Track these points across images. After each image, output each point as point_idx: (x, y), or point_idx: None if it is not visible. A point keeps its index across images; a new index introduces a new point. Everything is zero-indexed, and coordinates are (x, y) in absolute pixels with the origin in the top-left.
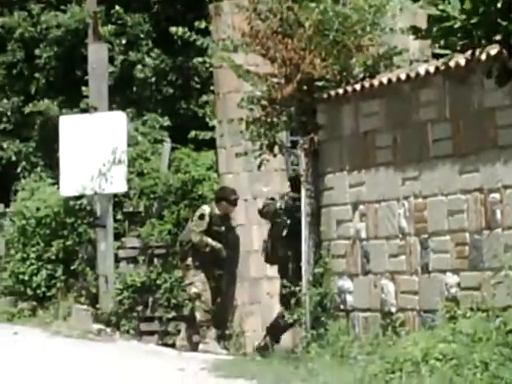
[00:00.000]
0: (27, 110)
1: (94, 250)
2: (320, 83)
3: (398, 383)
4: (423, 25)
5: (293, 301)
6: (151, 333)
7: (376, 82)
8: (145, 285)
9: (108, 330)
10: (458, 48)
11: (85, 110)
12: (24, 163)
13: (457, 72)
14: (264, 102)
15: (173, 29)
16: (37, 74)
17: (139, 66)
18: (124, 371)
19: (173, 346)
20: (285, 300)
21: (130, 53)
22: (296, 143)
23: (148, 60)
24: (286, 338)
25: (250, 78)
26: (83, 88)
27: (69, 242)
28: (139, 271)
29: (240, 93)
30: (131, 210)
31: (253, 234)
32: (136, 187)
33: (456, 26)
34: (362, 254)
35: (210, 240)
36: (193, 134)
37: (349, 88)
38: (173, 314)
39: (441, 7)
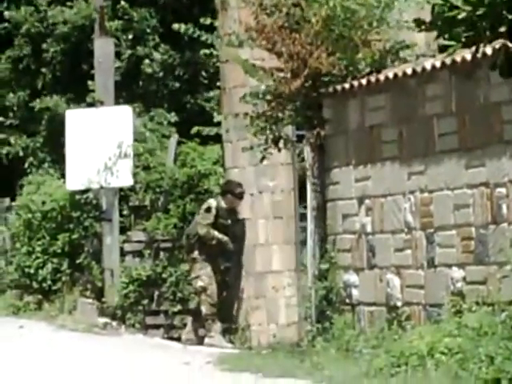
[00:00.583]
0: (36, 106)
1: (100, 243)
2: (326, 78)
3: (403, 377)
4: (429, 19)
5: None
6: (157, 326)
7: (382, 77)
8: (150, 278)
9: (113, 323)
10: (463, 40)
11: (91, 105)
12: (31, 159)
13: (463, 67)
14: (269, 97)
15: (176, 25)
16: (43, 69)
17: (146, 61)
18: (129, 365)
19: (178, 339)
20: None
21: (138, 48)
22: (302, 137)
23: (155, 55)
24: (292, 332)
25: (257, 73)
26: (89, 82)
27: (74, 236)
28: (145, 265)
29: (246, 87)
30: (137, 203)
31: (258, 227)
32: (142, 181)
33: (460, 17)
34: (367, 248)
35: (216, 233)
36: (195, 129)
37: (355, 83)
38: (178, 307)
39: None
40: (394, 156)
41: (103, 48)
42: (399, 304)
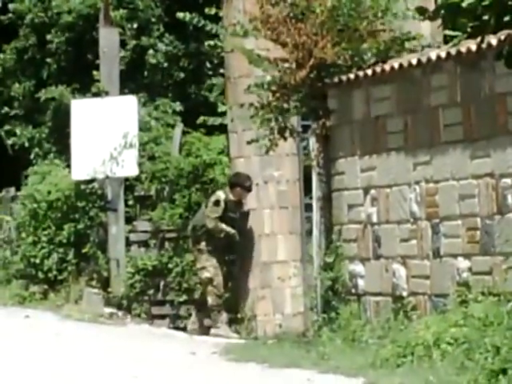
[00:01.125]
0: (42, 96)
1: (106, 233)
2: (332, 68)
3: (409, 367)
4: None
5: None
6: (162, 316)
7: (387, 67)
8: (156, 268)
9: (119, 313)
10: (468, 30)
11: (96, 95)
12: (37, 149)
13: (468, 57)
14: (274, 87)
15: (180, 14)
16: (48, 59)
17: (151, 51)
18: (135, 355)
19: (184, 329)
20: None
21: (142, 38)
22: (307, 128)
23: (160, 45)
24: (298, 322)
25: (261, 63)
26: (94, 72)
27: (80, 226)
28: (150, 255)
29: (251, 77)
30: (142, 193)
31: (264, 218)
32: (147, 171)
33: (464, 5)
34: (373, 239)
35: (224, 226)
36: (201, 119)
37: (360, 73)
38: (184, 297)
39: None
40: (400, 146)
41: (108, 38)
42: (405, 294)
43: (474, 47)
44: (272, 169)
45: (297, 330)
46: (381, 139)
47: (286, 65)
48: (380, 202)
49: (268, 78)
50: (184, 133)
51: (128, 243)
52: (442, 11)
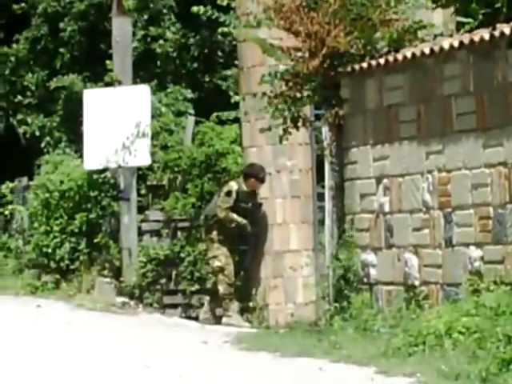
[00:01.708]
0: (52, 85)
1: (118, 223)
2: (344, 57)
3: (420, 356)
4: None
5: None
6: (174, 306)
7: (400, 57)
8: (168, 258)
9: (131, 302)
10: (480, 17)
11: (109, 84)
12: (48, 138)
13: (481, 46)
14: (287, 77)
15: (195, 8)
16: (61, 49)
17: (160, 41)
18: (147, 344)
19: (196, 318)
20: None
21: (151, 28)
22: (320, 117)
23: (169, 34)
24: (310, 311)
25: (275, 53)
26: (107, 62)
27: (92, 215)
28: (163, 244)
29: (264, 67)
30: (155, 183)
31: (276, 207)
32: (160, 160)
33: None
34: (385, 228)
35: (235, 216)
36: (214, 115)
37: (373, 62)
38: (196, 287)
39: None
40: (412, 135)
41: (121, 27)
42: (417, 283)
43: (486, 36)
44: (285, 158)
45: (309, 319)
46: (393, 128)
47: (299, 54)
48: (392, 191)
49: (281, 67)
50: (197, 122)
51: (140, 233)
52: None
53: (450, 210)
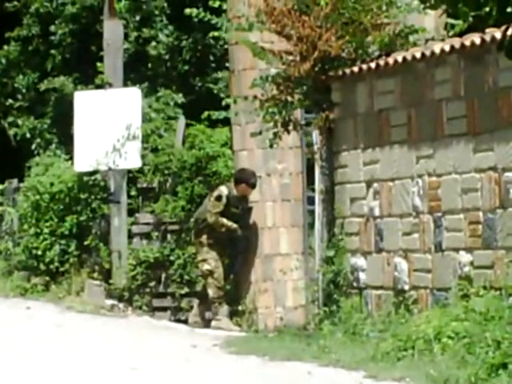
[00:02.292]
0: (43, 87)
1: (108, 225)
2: (335, 61)
3: (409, 361)
4: None
5: None
6: (164, 309)
7: (391, 61)
8: (158, 261)
9: (121, 305)
10: (470, 19)
11: (100, 86)
12: (39, 140)
13: (472, 51)
14: (278, 80)
15: (187, 10)
16: (52, 51)
17: (153, 43)
18: (136, 347)
19: (185, 322)
20: None
21: (144, 30)
22: (311, 121)
23: (162, 37)
24: (299, 315)
25: (265, 56)
26: (98, 64)
27: (82, 218)
28: (152, 247)
29: (255, 70)
30: (145, 185)
31: (266, 210)
32: (150, 163)
33: None
34: (375, 232)
35: (225, 221)
36: (206, 114)
37: (364, 66)
38: (186, 290)
39: None
40: (403, 140)
41: (112, 30)
42: (406, 288)
43: (477, 41)
44: (275, 161)
45: (298, 323)
46: (384, 132)
47: (290, 57)
48: (382, 195)
49: (272, 70)
50: (187, 125)
51: (130, 235)
52: None
53: (439, 214)
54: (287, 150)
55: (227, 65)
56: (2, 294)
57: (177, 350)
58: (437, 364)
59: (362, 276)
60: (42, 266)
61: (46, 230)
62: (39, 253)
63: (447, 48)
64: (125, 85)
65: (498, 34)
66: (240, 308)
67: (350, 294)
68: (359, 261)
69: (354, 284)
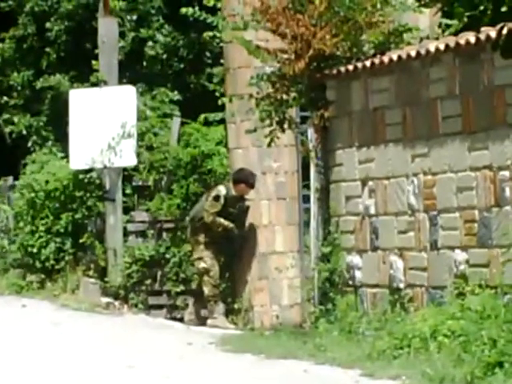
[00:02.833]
0: (38, 85)
1: (103, 223)
2: (330, 60)
3: (405, 359)
4: None
5: None
6: (159, 307)
7: (386, 59)
8: (153, 259)
9: (116, 303)
10: (465, 19)
11: (95, 84)
12: (35, 137)
13: (467, 49)
14: (274, 78)
15: (183, 9)
16: (47, 49)
17: (150, 43)
18: (131, 345)
19: (181, 320)
20: None
21: (141, 29)
22: (306, 119)
23: (159, 36)
24: (295, 313)
25: (260, 54)
26: (93, 62)
27: (78, 216)
28: (148, 245)
29: (250, 68)
30: (140, 183)
31: (262, 209)
32: (145, 161)
33: None
34: (370, 230)
35: (222, 220)
36: (202, 117)
37: (359, 64)
38: (181, 288)
39: None
40: (398, 138)
41: (107, 27)
42: (402, 286)
43: (472, 39)
44: (270, 160)
45: (294, 322)
46: (379, 131)
47: (285, 56)
48: (378, 193)
49: (267, 69)
50: (182, 123)
51: (126, 233)
52: None
53: (435, 212)
54: (282, 149)
55: (222, 61)
56: None
57: (172, 348)
58: (433, 362)
59: (358, 274)
60: (38, 264)
61: (41, 228)
62: (35, 250)
63: (442, 47)
64: (120, 83)
65: (493, 33)
66: (236, 306)
67: (345, 292)
68: (355, 259)
69: (350, 282)
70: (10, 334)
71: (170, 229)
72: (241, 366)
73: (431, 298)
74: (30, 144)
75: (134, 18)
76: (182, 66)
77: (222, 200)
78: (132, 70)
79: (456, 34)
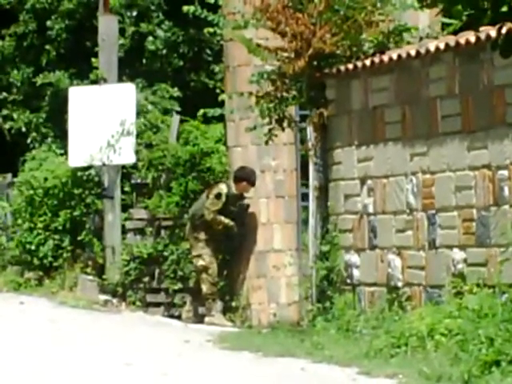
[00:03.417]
0: (38, 81)
1: (102, 220)
2: (330, 58)
3: (403, 357)
4: None
5: None
6: (157, 304)
7: (386, 58)
8: (151, 256)
9: (114, 300)
10: (464, 18)
11: (94, 82)
12: (34, 134)
13: (467, 49)
14: (273, 77)
15: (185, 8)
16: (48, 46)
17: (150, 38)
18: (129, 342)
19: (179, 317)
20: None
21: (141, 25)
22: (305, 117)
23: (159, 32)
24: (292, 312)
25: (260, 53)
26: (93, 59)
27: (76, 213)
28: (146, 243)
29: (250, 66)
30: (139, 181)
31: (260, 207)
32: (144, 159)
33: None
34: (369, 229)
35: (223, 218)
36: (202, 112)
37: (359, 63)
38: (179, 285)
39: None
40: (397, 137)
41: (107, 25)
42: (400, 285)
43: (472, 39)
44: (269, 158)
45: (291, 320)
46: (378, 129)
47: (285, 54)
48: (376, 192)
49: (267, 67)
50: (182, 121)
51: (124, 231)
52: None
53: (433, 211)
54: (281, 147)
55: (223, 59)
56: None
57: (170, 346)
58: (430, 361)
59: (356, 273)
60: (36, 261)
61: (39, 225)
62: (33, 248)
63: (442, 46)
64: (120, 80)
65: (493, 32)
66: (233, 304)
67: (343, 290)
68: (353, 257)
69: (348, 281)
70: (7, 331)
71: (169, 226)
72: (238, 364)
73: (429, 296)
74: (29, 141)
75: (134, 13)
76: (181, 63)
77: (223, 198)
78: (132, 66)
79: (455, 33)
